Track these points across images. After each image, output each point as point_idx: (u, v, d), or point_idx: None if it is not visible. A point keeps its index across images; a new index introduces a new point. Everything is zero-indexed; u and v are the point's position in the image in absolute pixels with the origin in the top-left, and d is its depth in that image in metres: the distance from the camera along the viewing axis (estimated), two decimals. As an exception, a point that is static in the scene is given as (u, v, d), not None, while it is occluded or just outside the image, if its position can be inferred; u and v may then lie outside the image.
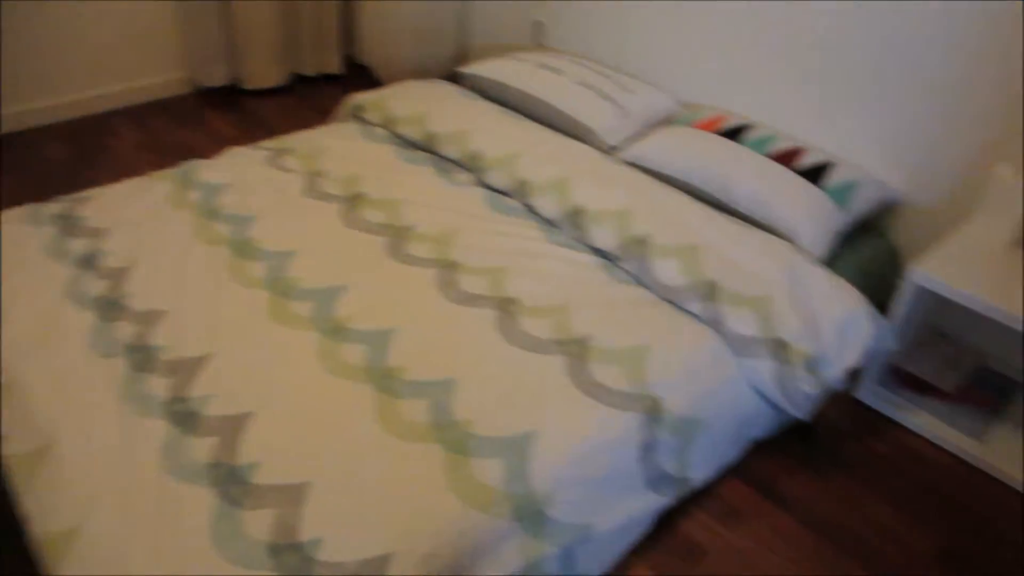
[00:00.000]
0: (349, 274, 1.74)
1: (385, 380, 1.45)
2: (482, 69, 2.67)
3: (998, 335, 2.03)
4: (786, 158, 2.05)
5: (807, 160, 2.05)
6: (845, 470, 1.78)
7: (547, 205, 1.96)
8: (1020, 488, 1.76)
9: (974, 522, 1.68)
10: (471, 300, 1.67)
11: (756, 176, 1.97)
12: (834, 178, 1.99)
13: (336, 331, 1.57)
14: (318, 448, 1.32)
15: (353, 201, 2.04)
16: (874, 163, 2.12)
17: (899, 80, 2.00)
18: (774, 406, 1.67)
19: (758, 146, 2.09)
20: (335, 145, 2.36)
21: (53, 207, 2.00)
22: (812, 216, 1.90)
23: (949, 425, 1.88)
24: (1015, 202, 1.80)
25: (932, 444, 1.87)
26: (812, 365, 1.61)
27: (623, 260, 1.79)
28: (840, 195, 1.96)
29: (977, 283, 1.69)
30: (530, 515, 1.29)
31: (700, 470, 1.57)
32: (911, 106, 2.00)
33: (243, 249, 1.84)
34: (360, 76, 3.66)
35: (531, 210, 2.00)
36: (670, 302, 1.70)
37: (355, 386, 1.44)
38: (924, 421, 1.89)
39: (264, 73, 3.50)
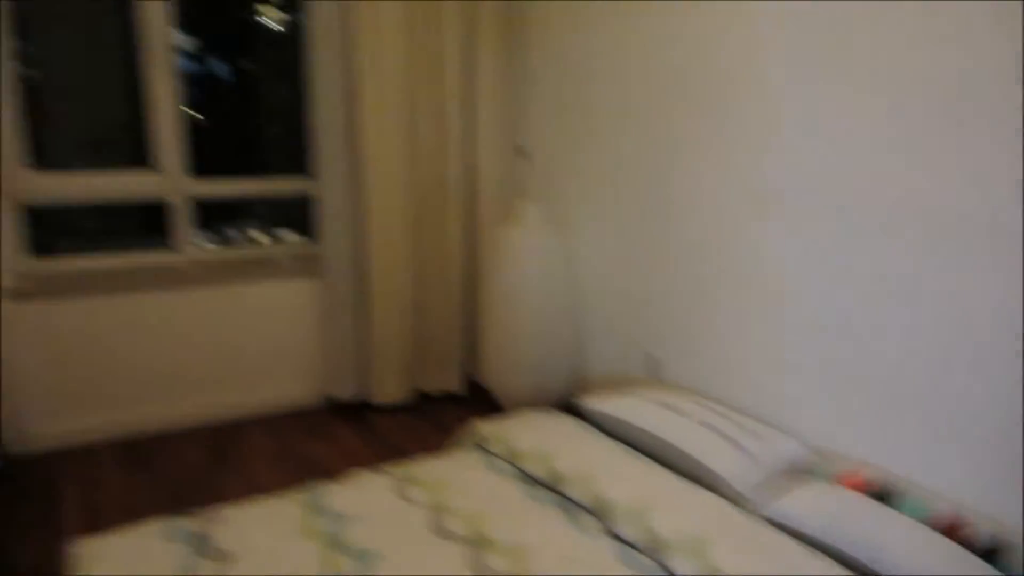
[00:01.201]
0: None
1: None
2: (603, 405, 2.61)
3: None
4: (947, 532, 1.81)
5: (974, 537, 1.80)
6: None
7: (685, 568, 1.75)
8: None
9: None
10: None
11: (922, 551, 1.73)
12: (1013, 562, 1.73)
13: None
14: None
15: (479, 544, 1.88)
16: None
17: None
18: None
19: (912, 514, 1.88)
20: (460, 477, 2.27)
21: (188, 523, 1.94)
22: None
23: None
24: None
25: None
26: None
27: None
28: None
29: None
30: None
31: None
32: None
33: (365, 592, 1.69)
34: (480, 397, 3.69)
35: (667, 571, 1.79)
36: None
37: None
38: None
39: (390, 390, 3.57)
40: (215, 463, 3.01)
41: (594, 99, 3.19)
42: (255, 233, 3.90)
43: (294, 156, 3.62)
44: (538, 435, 2.44)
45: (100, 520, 2.55)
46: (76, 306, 3.09)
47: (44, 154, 3.06)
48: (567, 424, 2.57)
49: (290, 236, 3.84)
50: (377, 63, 3.25)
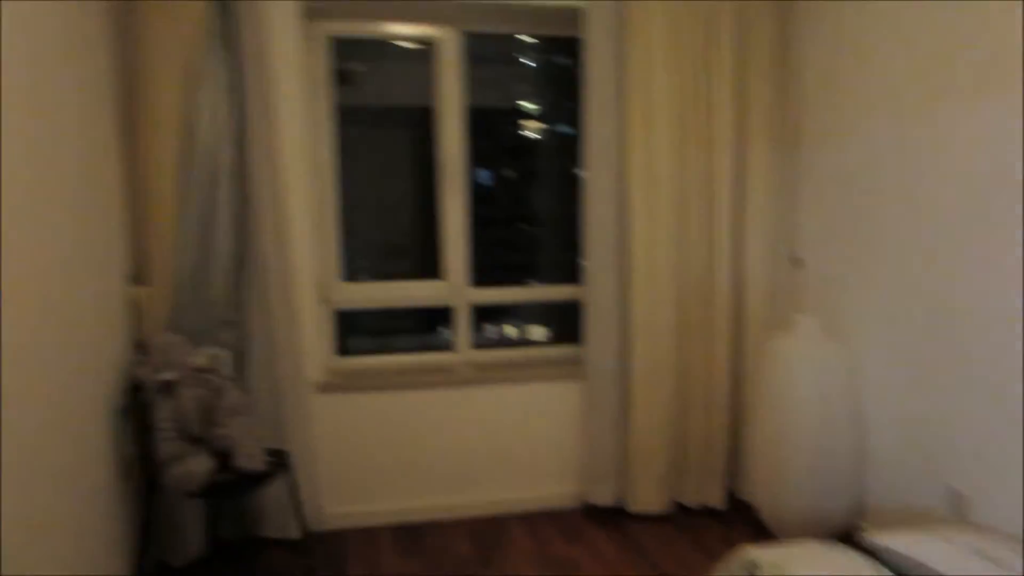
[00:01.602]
0: None
1: None
2: (897, 543, 2.29)
3: None
4: None
5: None
6: None
7: None
8: None
9: None
10: None
11: None
12: None
13: None
14: None
15: None
16: None
17: None
18: None
19: None
20: (733, 606, 2.09)
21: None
22: None
23: None
24: None
25: None
26: None
27: None
28: None
29: None
30: None
31: None
32: None
33: None
34: (742, 515, 3.44)
35: None
36: None
37: None
38: None
39: (648, 499, 3.45)
40: (479, 556, 3.09)
41: (876, 206, 2.97)
42: (515, 332, 4.08)
43: (559, 261, 3.77)
44: (819, 569, 2.19)
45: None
46: (366, 400, 3.40)
47: (347, 265, 3.49)
48: (852, 560, 2.28)
49: (540, 330, 3.96)
50: (647, 174, 3.31)
